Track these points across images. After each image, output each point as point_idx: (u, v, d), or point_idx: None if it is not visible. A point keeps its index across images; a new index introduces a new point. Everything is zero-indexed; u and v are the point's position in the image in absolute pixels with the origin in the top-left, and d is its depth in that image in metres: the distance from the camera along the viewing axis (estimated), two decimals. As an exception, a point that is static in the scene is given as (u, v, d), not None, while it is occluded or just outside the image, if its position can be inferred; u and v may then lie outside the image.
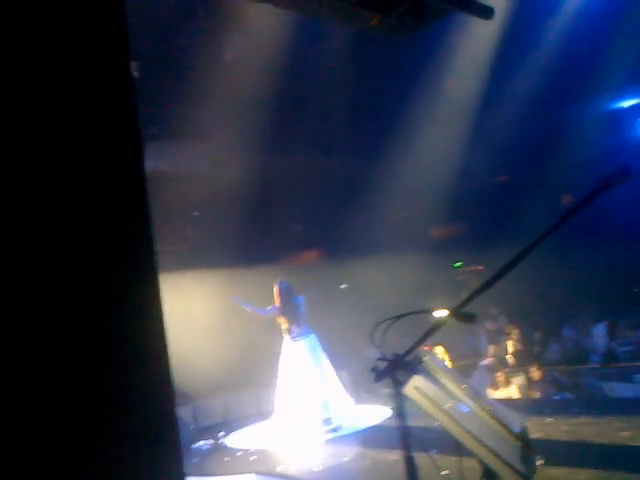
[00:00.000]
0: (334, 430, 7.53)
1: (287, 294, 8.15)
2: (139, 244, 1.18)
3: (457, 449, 2.29)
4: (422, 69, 10.62)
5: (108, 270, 1.13)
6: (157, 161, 9.99)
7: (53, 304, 1.05)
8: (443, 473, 2.63)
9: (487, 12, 3.16)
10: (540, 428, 6.15)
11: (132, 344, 1.13)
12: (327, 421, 7.62)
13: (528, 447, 2.37)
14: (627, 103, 12.72)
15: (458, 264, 15.08)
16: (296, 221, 13.08)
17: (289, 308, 8.09)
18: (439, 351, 8.73)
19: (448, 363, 8.56)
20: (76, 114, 1.13)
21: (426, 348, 2.50)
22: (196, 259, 10.34)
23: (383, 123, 11.84)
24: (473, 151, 11.85)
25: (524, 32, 10.04)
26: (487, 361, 9.33)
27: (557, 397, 7.98)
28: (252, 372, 9.35)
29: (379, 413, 7.92)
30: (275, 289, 8.18)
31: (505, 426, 2.38)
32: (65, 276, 1.07)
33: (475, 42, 10.11)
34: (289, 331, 8.10)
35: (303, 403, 7.72)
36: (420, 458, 2.41)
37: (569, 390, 8.02)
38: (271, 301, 8.30)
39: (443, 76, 10.80)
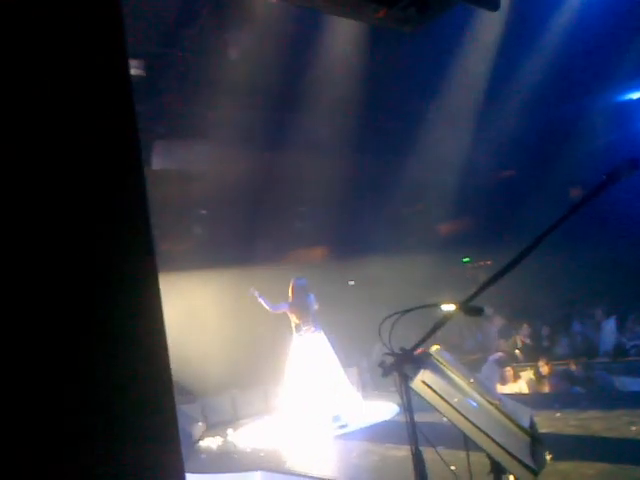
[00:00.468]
0: (342, 427, 7.53)
1: (301, 290, 8.22)
2: (138, 244, 1.18)
3: (465, 444, 2.27)
4: (428, 64, 10.57)
5: (107, 270, 1.12)
6: (164, 160, 10.01)
7: (53, 304, 1.05)
8: (452, 468, 2.61)
9: (493, 4, 3.13)
10: (549, 423, 6.13)
11: (132, 344, 1.13)
12: (336, 418, 7.62)
13: (537, 442, 2.35)
14: (635, 95, 12.61)
15: (466, 259, 15.04)
16: (303, 218, 13.07)
17: (301, 305, 8.15)
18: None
19: None
20: (73, 114, 1.12)
21: (420, 351, 2.48)
22: (203, 258, 10.35)
23: (390, 119, 11.80)
24: (480, 146, 11.80)
25: (530, 25, 9.96)
26: (496, 356, 9.30)
27: (566, 392, 7.95)
28: (260, 369, 9.36)
29: (387, 409, 7.92)
30: (291, 284, 8.27)
31: (514, 421, 2.36)
32: (64, 277, 1.07)
33: (480, 35, 10.04)
34: (298, 328, 8.14)
35: (311, 400, 7.73)
36: (428, 453, 2.40)
37: (579, 384, 7.98)
38: (279, 298, 8.34)
39: (449, 71, 10.75)
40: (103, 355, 1.09)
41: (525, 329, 10.27)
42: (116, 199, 1.15)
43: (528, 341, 10.10)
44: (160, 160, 9.84)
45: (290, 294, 8.24)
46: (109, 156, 1.16)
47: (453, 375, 2.39)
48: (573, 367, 8.05)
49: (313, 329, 8.12)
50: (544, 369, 8.33)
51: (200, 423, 8.63)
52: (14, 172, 1.04)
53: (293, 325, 8.20)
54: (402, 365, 2.31)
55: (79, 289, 1.08)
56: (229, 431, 8.26)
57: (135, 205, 1.17)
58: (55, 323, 1.05)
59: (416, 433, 2.32)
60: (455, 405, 2.21)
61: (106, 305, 1.11)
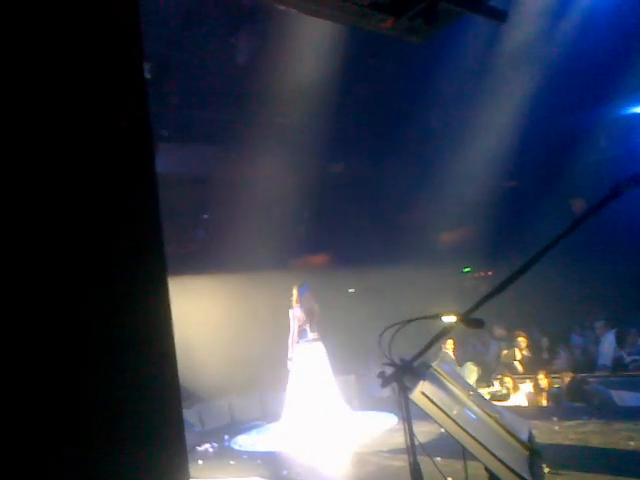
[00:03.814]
0: (325, 437, 7.47)
1: (303, 296, 8.23)
2: (149, 246, 1.18)
3: (463, 456, 2.26)
4: (430, 71, 10.60)
5: (118, 272, 1.12)
6: (167, 163, 10.02)
7: (62, 305, 1.05)
8: (449, 480, 2.60)
9: (500, 15, 3.13)
10: (548, 436, 6.11)
11: (141, 346, 1.13)
12: (319, 427, 7.59)
13: (535, 455, 2.34)
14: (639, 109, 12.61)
15: (467, 270, 15.01)
16: (305, 225, 13.06)
17: (306, 310, 8.16)
18: (449, 345, 8.89)
19: (453, 357, 8.68)
20: (90, 115, 1.13)
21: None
22: (205, 262, 10.35)
23: (392, 127, 11.82)
24: (482, 156, 11.80)
25: (534, 36, 9.98)
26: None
27: (565, 405, 7.92)
28: (258, 375, 9.34)
29: (385, 419, 7.89)
30: (295, 290, 8.28)
31: (512, 434, 2.36)
32: (75, 277, 1.07)
33: (484, 45, 10.06)
34: (299, 334, 8.14)
35: (304, 409, 7.73)
36: (425, 464, 2.39)
37: (578, 398, 7.95)
38: (280, 304, 8.35)
39: (452, 81, 10.76)
40: (111, 357, 1.09)
41: (521, 342, 10.19)
42: (129, 201, 1.16)
43: (527, 353, 10.05)
44: (163, 163, 9.85)
45: (295, 300, 8.25)
46: (124, 157, 1.16)
47: (452, 387, 2.38)
48: (572, 380, 8.02)
49: (312, 338, 8.10)
50: (543, 382, 8.30)
51: (197, 429, 8.60)
52: (31, 173, 1.05)
53: (297, 331, 8.17)
54: (402, 376, 2.30)
55: (90, 290, 1.08)
56: (226, 437, 8.23)
57: (147, 207, 1.18)
58: (64, 324, 1.04)
59: (414, 443, 2.31)
60: (454, 417, 2.21)
61: (116, 307, 1.11)
